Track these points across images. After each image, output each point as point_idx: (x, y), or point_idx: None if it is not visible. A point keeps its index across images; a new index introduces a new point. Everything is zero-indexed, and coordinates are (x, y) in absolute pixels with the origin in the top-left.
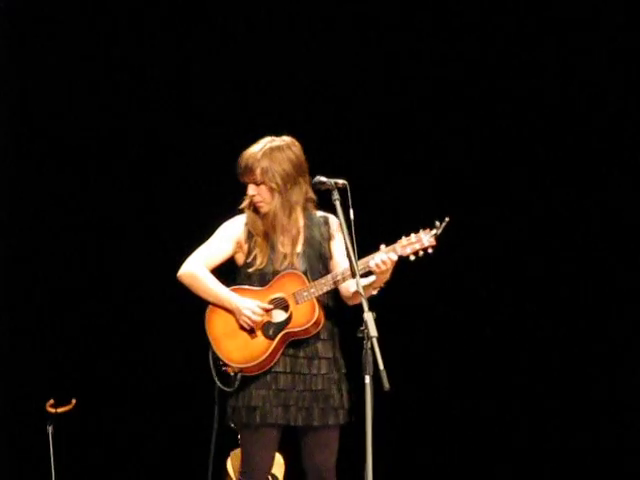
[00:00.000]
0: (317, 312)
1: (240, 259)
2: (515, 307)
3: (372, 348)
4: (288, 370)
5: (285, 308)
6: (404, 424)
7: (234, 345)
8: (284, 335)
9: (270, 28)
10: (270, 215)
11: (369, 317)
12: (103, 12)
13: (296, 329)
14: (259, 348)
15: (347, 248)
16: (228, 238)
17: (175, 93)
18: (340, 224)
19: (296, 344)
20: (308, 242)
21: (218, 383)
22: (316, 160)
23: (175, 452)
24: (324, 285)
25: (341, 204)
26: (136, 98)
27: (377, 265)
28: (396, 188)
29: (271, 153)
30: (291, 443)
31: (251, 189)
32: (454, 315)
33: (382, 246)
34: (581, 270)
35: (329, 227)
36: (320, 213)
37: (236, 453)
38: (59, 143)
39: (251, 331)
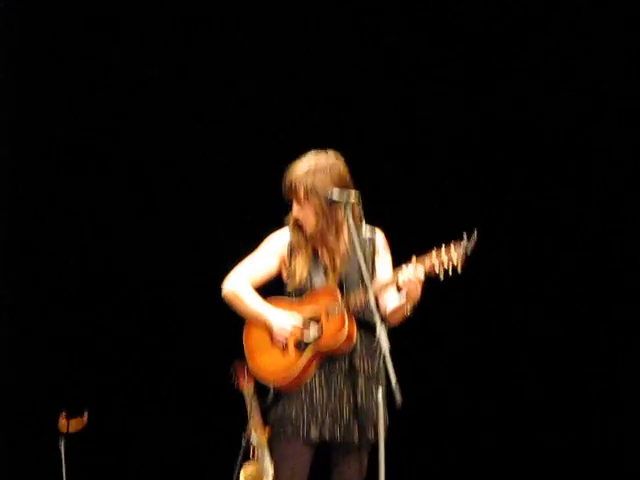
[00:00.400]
0: (347, 327)
1: (283, 274)
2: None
3: (384, 362)
4: (323, 385)
5: (318, 323)
6: (416, 438)
7: (268, 360)
8: (316, 351)
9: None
10: (317, 234)
11: (381, 330)
12: (104, 12)
13: (328, 344)
14: (291, 364)
15: (360, 263)
16: (273, 252)
17: (214, 99)
18: (353, 239)
19: (332, 359)
20: (351, 260)
21: (254, 397)
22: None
23: (192, 466)
24: (358, 300)
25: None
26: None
27: (404, 281)
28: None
29: (315, 174)
30: (318, 458)
31: (295, 209)
32: (465, 326)
33: (413, 257)
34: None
35: (375, 243)
36: (367, 227)
37: (250, 464)
38: (71, 146)
39: (284, 347)
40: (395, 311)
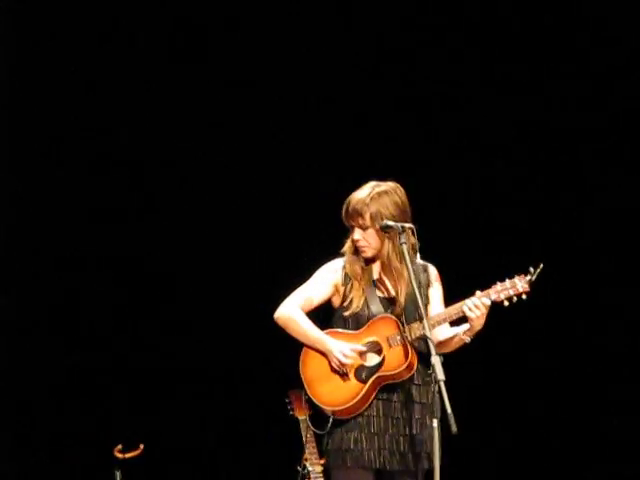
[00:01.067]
0: (410, 356)
1: (336, 302)
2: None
3: (440, 392)
4: (381, 414)
5: (378, 352)
6: (470, 469)
7: (327, 388)
8: (377, 379)
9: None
10: (383, 260)
11: (436, 360)
12: (106, 11)
13: (389, 373)
14: (351, 391)
15: (415, 293)
16: (326, 281)
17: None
18: (408, 268)
19: (390, 388)
20: (409, 288)
21: (310, 426)
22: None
23: None
24: (417, 329)
25: (410, 248)
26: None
27: (470, 308)
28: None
29: (379, 198)
30: None
31: (357, 233)
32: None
33: (477, 292)
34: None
35: (428, 275)
36: (420, 261)
37: None
38: (72, 146)
39: (344, 374)
40: (448, 341)
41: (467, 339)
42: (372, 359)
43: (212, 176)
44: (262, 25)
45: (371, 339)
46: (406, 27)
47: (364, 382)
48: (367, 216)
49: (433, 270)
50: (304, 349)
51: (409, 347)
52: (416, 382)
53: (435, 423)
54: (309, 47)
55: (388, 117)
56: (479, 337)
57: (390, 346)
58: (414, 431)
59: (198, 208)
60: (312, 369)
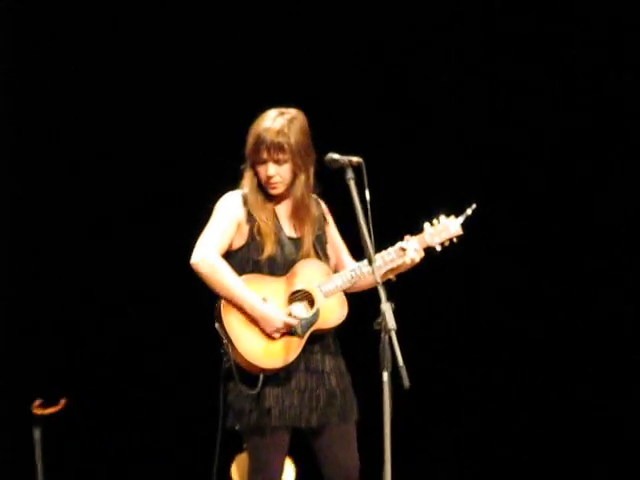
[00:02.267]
0: (346, 308)
1: (237, 242)
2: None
3: (390, 342)
4: (302, 367)
5: (310, 302)
6: (422, 423)
7: (258, 343)
8: (311, 332)
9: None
10: (296, 196)
11: (387, 308)
12: (107, 10)
13: (325, 326)
14: (288, 348)
15: (363, 233)
16: (231, 219)
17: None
18: (355, 207)
19: (312, 338)
20: (314, 227)
21: (240, 385)
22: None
23: (176, 457)
24: (352, 277)
25: (355, 184)
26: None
27: (412, 256)
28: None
29: (293, 126)
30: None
31: (272, 169)
32: (473, 304)
33: (407, 236)
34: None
35: (322, 209)
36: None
37: (241, 457)
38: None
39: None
40: (375, 282)
41: (392, 277)
42: (303, 310)
43: None
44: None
45: (299, 287)
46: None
47: (301, 337)
48: (287, 148)
49: (323, 204)
50: (224, 305)
51: (343, 296)
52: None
53: (385, 377)
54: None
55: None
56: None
57: (325, 296)
58: (334, 383)
59: None
60: (239, 322)
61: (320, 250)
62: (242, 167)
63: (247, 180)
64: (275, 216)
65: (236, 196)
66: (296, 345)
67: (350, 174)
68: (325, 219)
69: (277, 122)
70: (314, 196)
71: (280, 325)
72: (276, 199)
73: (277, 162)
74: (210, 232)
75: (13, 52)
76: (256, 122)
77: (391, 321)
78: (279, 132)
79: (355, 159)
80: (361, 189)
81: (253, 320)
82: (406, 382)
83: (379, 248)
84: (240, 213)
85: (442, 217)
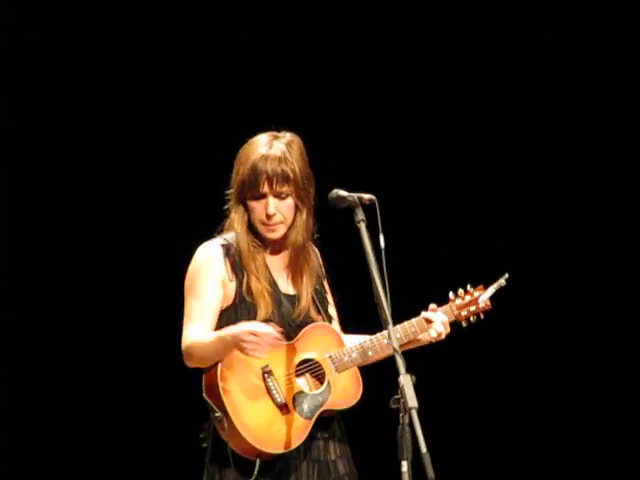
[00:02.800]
0: (361, 386)
1: (224, 304)
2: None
3: (411, 424)
4: (302, 455)
5: (319, 376)
6: None
7: (259, 419)
8: (320, 414)
9: None
10: (294, 242)
11: (407, 382)
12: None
13: (339, 407)
14: (293, 430)
15: (377, 288)
16: (213, 282)
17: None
18: (368, 256)
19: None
20: (314, 279)
21: (232, 468)
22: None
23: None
24: (371, 348)
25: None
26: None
27: (439, 334)
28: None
29: (294, 153)
30: None
31: (272, 205)
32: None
33: (433, 305)
34: None
35: (319, 259)
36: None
37: None
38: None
39: (281, 404)
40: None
41: (411, 347)
42: (313, 385)
43: None
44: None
45: (309, 356)
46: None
47: (309, 418)
48: (292, 178)
49: (317, 253)
50: (220, 369)
51: (357, 373)
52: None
53: (405, 467)
54: None
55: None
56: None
57: (337, 370)
58: (341, 472)
59: None
60: (235, 392)
61: (322, 310)
62: (226, 207)
63: (236, 221)
64: (267, 268)
65: (214, 248)
66: (303, 427)
67: (361, 215)
68: (323, 273)
69: (275, 147)
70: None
71: (250, 337)
72: (268, 246)
73: (279, 196)
74: (188, 317)
75: (13, 49)
76: (246, 150)
77: (412, 398)
78: (281, 159)
79: (367, 196)
80: (374, 234)
81: (252, 381)
82: (430, 473)
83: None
84: (221, 269)
85: (469, 287)
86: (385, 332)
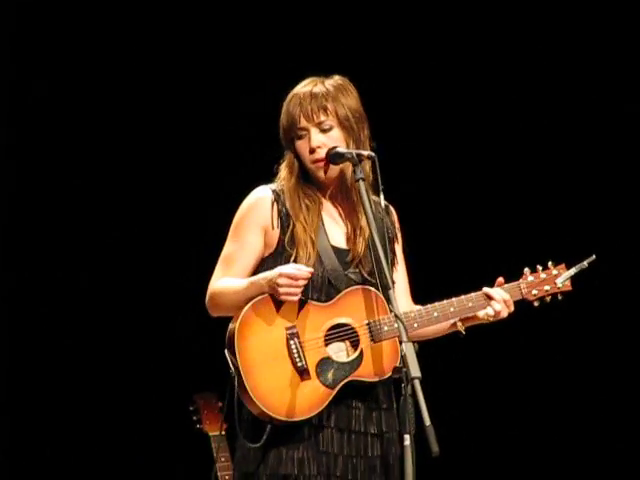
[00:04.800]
0: (399, 359)
1: (265, 251)
2: None
3: (414, 394)
4: (333, 424)
5: (353, 343)
6: None
7: (274, 383)
8: (347, 383)
9: None
10: (344, 184)
11: (409, 350)
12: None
13: (366, 379)
14: (312, 396)
15: (377, 249)
16: (252, 226)
17: None
18: (368, 216)
19: (351, 387)
20: (379, 237)
21: (240, 434)
22: None
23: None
24: (416, 320)
25: (370, 186)
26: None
27: (497, 313)
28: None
29: (339, 88)
30: None
31: (316, 138)
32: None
33: (500, 279)
34: None
35: (392, 220)
36: (376, 198)
37: None
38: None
39: (302, 369)
40: (394, 315)
41: (463, 330)
42: (343, 352)
43: None
44: None
45: (343, 321)
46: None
47: (331, 387)
48: (331, 107)
49: (394, 213)
50: (242, 316)
51: (397, 345)
52: (382, 380)
53: (407, 440)
54: None
55: None
56: None
57: (373, 339)
58: (378, 452)
59: None
60: (253, 349)
61: (390, 275)
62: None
63: (284, 168)
64: (319, 216)
65: (263, 192)
66: (323, 396)
67: (360, 173)
68: (395, 234)
69: (315, 83)
70: (381, 200)
71: (285, 280)
72: (326, 194)
73: (321, 127)
74: (221, 260)
75: (14, 53)
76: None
77: (415, 367)
78: (317, 92)
79: (366, 153)
80: (375, 191)
81: (274, 338)
82: (435, 447)
83: (458, 291)
84: (266, 215)
85: (550, 264)
86: (436, 304)
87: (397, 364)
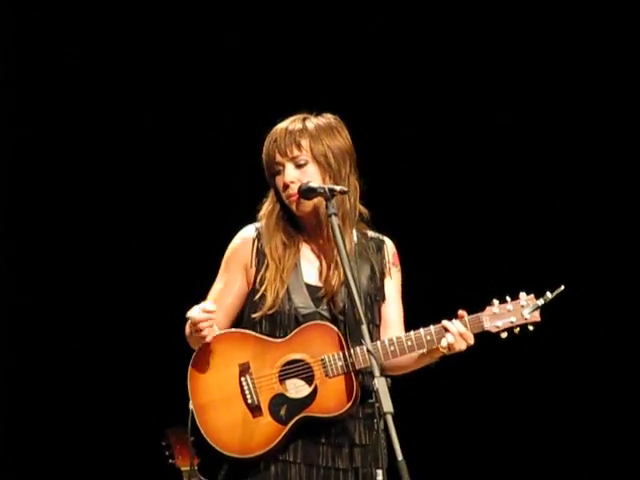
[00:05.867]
0: (355, 394)
1: (245, 290)
2: None
3: (386, 429)
4: (301, 460)
5: (307, 379)
6: None
7: (226, 420)
8: (301, 419)
9: None
10: (319, 221)
11: (381, 384)
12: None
13: (320, 415)
14: (263, 433)
15: (349, 282)
16: (236, 265)
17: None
18: (340, 251)
19: (316, 423)
20: (363, 274)
21: (194, 469)
22: None
23: None
24: (372, 354)
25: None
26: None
27: (452, 341)
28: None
29: (320, 126)
30: None
31: (290, 173)
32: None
33: (461, 312)
34: None
35: (385, 255)
36: (371, 232)
37: None
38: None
39: (253, 406)
40: (405, 360)
41: (429, 361)
42: (297, 388)
43: None
44: None
45: (298, 357)
46: None
47: (284, 423)
48: (305, 143)
49: (391, 247)
50: (193, 357)
51: (354, 379)
52: (358, 415)
53: (380, 475)
54: None
55: None
56: None
57: (327, 374)
58: None
59: None
60: (204, 390)
61: (367, 312)
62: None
63: (265, 205)
64: (295, 254)
65: (248, 232)
66: (275, 432)
67: (332, 209)
68: (386, 270)
69: (294, 120)
70: (374, 234)
71: (189, 315)
72: (304, 230)
73: (295, 162)
74: (209, 295)
75: (16, 54)
76: None
77: (387, 402)
78: (294, 128)
79: (338, 188)
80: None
81: (225, 376)
82: None
83: (421, 323)
84: (247, 255)
85: (522, 294)
86: (393, 338)
87: (353, 399)
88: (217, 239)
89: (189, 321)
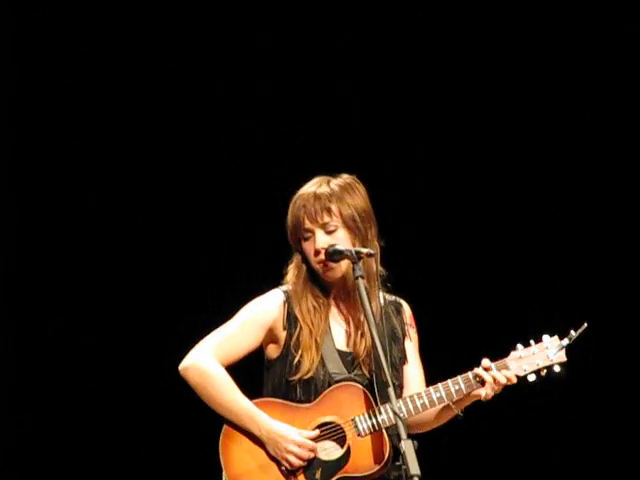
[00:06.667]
0: (388, 452)
1: (273, 353)
2: None
3: None
4: None
5: (339, 440)
6: None
7: None
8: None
9: None
10: (343, 279)
11: (408, 448)
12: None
13: (355, 475)
14: None
15: (376, 347)
16: (257, 323)
17: None
18: (367, 314)
19: None
20: (386, 338)
21: None
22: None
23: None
24: (400, 412)
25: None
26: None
27: (481, 385)
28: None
29: (345, 190)
30: None
31: (321, 239)
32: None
33: (485, 360)
34: None
35: (403, 318)
36: (389, 296)
37: None
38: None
39: (289, 473)
40: (431, 415)
41: (460, 413)
42: (330, 450)
43: None
44: None
45: (328, 419)
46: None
47: None
48: (335, 208)
49: (408, 309)
50: (226, 428)
51: (385, 437)
52: (389, 477)
53: None
54: None
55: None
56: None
57: (358, 434)
58: None
59: None
60: (239, 460)
61: (390, 374)
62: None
63: (292, 270)
64: (326, 320)
65: (277, 294)
66: None
67: (359, 271)
68: (406, 332)
69: (320, 185)
70: (394, 297)
71: (296, 449)
72: (333, 294)
73: (326, 229)
74: (216, 333)
75: (16, 54)
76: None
77: (414, 465)
78: (322, 193)
79: (365, 250)
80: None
81: (260, 450)
82: None
83: (444, 374)
84: (275, 315)
85: (546, 337)
86: (423, 391)
87: (386, 456)
88: (220, 251)
89: (275, 438)
